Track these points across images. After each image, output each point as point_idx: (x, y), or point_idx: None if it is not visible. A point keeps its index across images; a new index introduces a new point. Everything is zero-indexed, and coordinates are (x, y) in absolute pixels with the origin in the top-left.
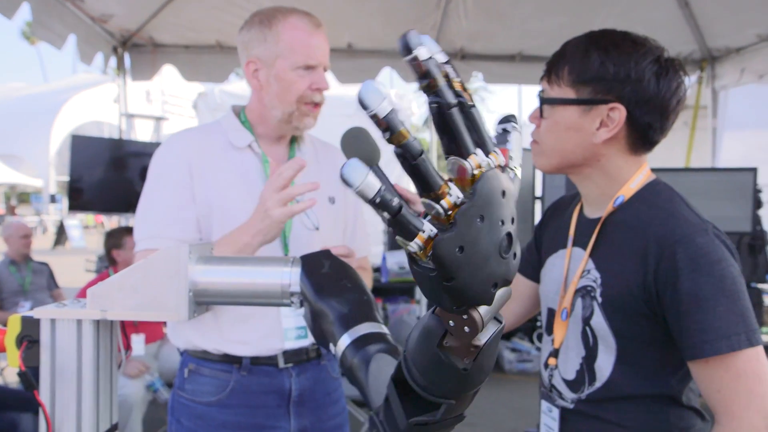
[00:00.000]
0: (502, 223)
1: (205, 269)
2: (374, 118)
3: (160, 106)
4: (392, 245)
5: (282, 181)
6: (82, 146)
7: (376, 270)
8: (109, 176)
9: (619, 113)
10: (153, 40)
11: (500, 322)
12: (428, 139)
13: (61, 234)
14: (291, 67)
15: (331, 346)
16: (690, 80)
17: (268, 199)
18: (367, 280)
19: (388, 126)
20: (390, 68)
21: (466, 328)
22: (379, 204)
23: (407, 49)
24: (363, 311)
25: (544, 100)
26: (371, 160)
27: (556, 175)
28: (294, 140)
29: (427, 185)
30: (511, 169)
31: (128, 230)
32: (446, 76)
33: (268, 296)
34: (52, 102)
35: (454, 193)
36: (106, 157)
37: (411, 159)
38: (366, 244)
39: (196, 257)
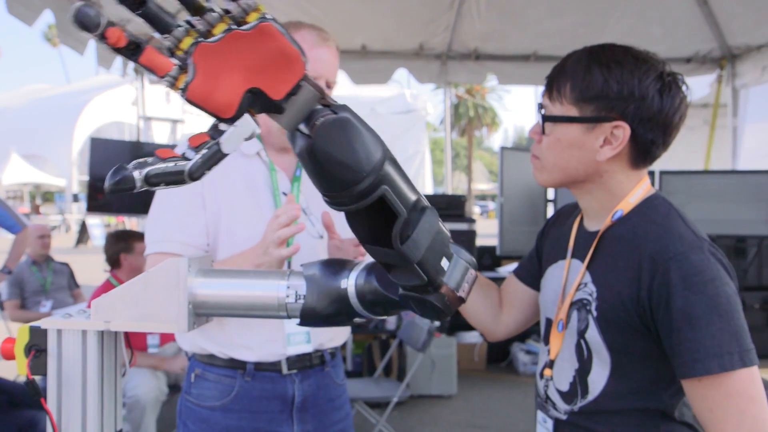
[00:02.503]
0: None
1: (204, 281)
2: None
3: (180, 106)
4: None
5: (277, 225)
6: (100, 148)
7: None
8: None
9: (623, 131)
10: None
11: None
12: (445, 138)
13: (83, 233)
14: None
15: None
16: (709, 79)
17: (268, 237)
18: None
19: None
20: (404, 69)
21: None
22: None
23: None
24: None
25: (546, 118)
26: None
27: None
28: None
29: (161, 26)
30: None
31: (137, 235)
32: None
33: (266, 309)
34: (74, 103)
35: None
36: (124, 159)
37: (136, 7)
38: None
39: (196, 270)
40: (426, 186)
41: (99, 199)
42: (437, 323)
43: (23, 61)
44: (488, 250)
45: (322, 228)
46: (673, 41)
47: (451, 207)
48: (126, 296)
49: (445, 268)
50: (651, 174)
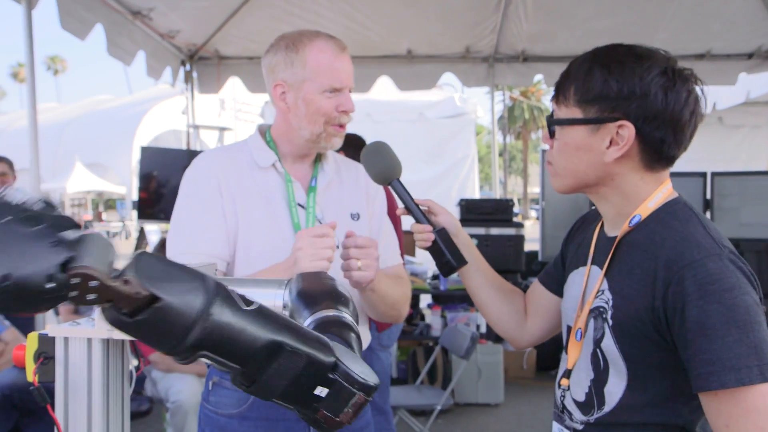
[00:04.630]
0: None
1: None
2: None
3: (234, 113)
4: None
5: (324, 244)
6: (150, 157)
7: (435, 277)
8: (176, 186)
9: (628, 131)
10: (218, 53)
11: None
12: (500, 140)
13: (141, 239)
14: (318, 90)
15: None
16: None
17: (300, 248)
18: (404, 288)
19: None
20: (450, 73)
21: None
22: None
23: None
24: (331, 299)
25: (552, 121)
26: (392, 174)
27: None
28: (318, 158)
29: None
30: None
31: None
32: None
33: None
34: (134, 112)
35: None
36: (173, 168)
37: None
38: (396, 252)
39: None
40: (475, 191)
41: (149, 207)
42: (482, 330)
43: (90, 72)
44: (537, 255)
45: (337, 238)
46: (732, 36)
47: (498, 212)
48: None
49: (322, 395)
50: (702, 176)
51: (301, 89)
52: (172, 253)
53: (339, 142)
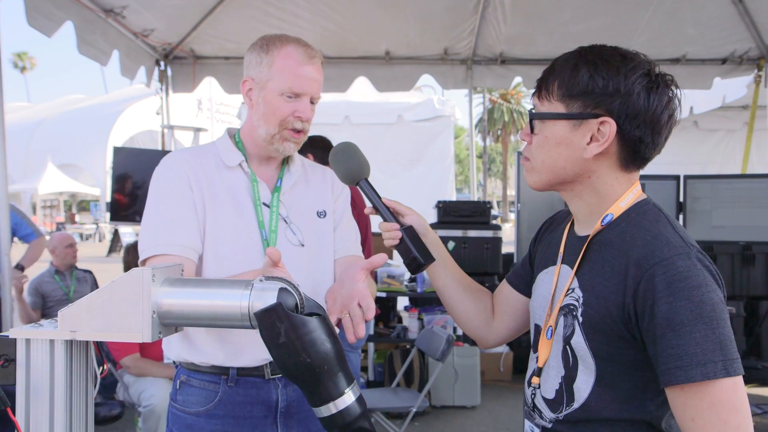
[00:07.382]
0: None
1: (168, 291)
2: None
3: (212, 114)
4: None
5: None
6: (124, 158)
7: (413, 280)
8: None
9: (609, 127)
10: (194, 52)
11: None
12: (480, 142)
13: (115, 241)
14: (278, 92)
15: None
16: (746, 80)
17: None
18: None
19: None
20: (429, 75)
21: None
22: None
23: None
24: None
25: (534, 115)
26: (360, 174)
27: None
28: (285, 162)
29: None
30: None
31: None
32: None
33: (228, 318)
34: (109, 113)
35: None
36: (148, 169)
37: None
38: (355, 244)
39: (162, 279)
40: (453, 193)
41: (122, 209)
42: (459, 332)
43: (69, 75)
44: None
45: (302, 236)
46: (707, 42)
47: (476, 214)
48: (92, 306)
49: None
50: (676, 178)
51: (264, 88)
52: (146, 246)
53: (293, 147)
